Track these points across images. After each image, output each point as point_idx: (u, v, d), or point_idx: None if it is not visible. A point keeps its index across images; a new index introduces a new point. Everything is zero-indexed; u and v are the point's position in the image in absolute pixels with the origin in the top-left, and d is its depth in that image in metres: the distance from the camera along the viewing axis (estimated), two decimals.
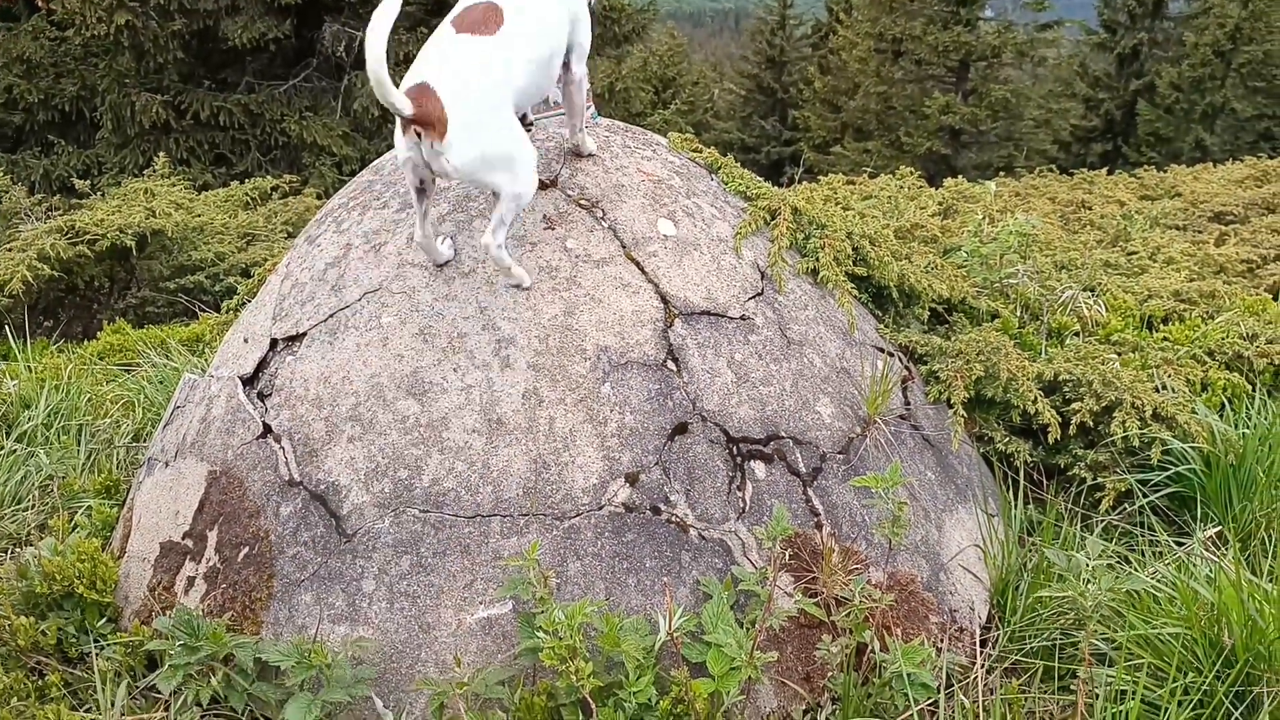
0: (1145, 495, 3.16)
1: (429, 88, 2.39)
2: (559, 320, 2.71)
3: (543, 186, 2.95)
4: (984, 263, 4.07)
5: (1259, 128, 25.19)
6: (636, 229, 2.94)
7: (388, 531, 2.48)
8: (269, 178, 10.23)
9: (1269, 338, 3.78)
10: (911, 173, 5.69)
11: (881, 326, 3.40)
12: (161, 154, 10.97)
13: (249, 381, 2.85)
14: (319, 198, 10.79)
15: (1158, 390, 3.38)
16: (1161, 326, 4.05)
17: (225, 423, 2.79)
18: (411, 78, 2.44)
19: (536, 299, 2.73)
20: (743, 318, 2.89)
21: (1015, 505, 3.15)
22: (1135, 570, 2.76)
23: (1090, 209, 7.12)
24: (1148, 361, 3.62)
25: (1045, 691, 2.54)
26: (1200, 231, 6.85)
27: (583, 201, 2.95)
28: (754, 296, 2.97)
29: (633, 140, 3.30)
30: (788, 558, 2.53)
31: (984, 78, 23.30)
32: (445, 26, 2.58)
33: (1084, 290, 4.18)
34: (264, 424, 2.72)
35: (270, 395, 2.77)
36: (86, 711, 2.44)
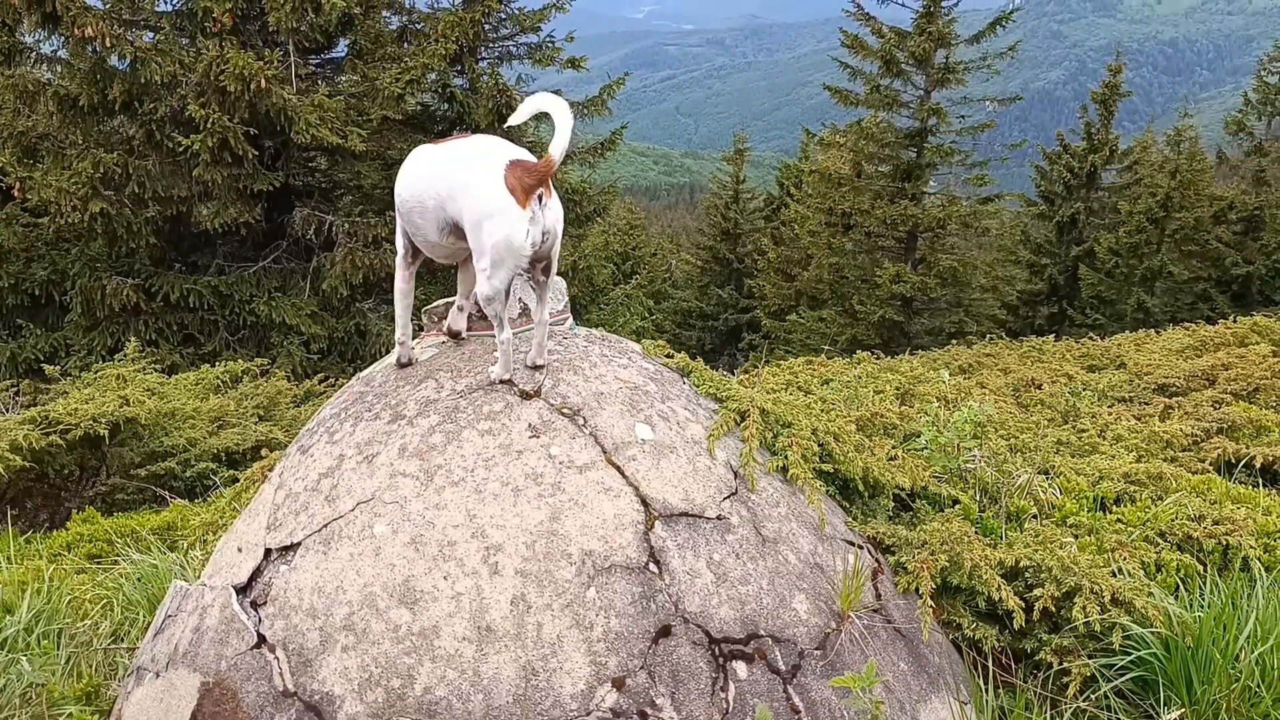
0: (1109, 680, 3.27)
1: None
2: (545, 526, 2.83)
3: (526, 397, 3.13)
4: (942, 450, 4.27)
5: (1196, 289, 26.22)
6: (616, 434, 3.10)
7: None
8: (240, 360, 10.38)
9: (1215, 518, 3.97)
10: (868, 356, 5.96)
11: (850, 519, 3.55)
12: (132, 338, 11.12)
13: (243, 590, 2.93)
14: (289, 378, 10.93)
15: (1114, 575, 3.53)
16: (1114, 508, 4.23)
17: (219, 633, 2.86)
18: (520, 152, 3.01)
19: (523, 505, 2.86)
20: (719, 517, 3.03)
21: (986, 692, 3.25)
22: None
23: (1040, 387, 7.44)
24: (1103, 544, 3.77)
25: None
26: (1146, 403, 7.15)
27: (565, 410, 3.13)
28: (729, 496, 3.12)
29: (609, 349, 3.50)
30: None
31: (931, 248, 24.13)
32: None
33: (1038, 473, 4.38)
34: (258, 634, 2.79)
35: (264, 604, 2.85)
36: None
